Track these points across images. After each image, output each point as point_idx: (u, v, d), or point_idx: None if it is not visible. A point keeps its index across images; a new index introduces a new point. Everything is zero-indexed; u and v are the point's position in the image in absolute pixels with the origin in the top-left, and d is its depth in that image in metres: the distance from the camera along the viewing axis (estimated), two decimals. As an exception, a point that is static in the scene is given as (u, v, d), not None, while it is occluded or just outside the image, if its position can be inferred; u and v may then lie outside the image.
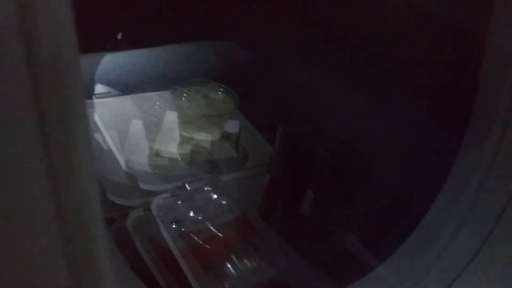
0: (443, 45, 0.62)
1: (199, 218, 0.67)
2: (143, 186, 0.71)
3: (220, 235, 0.65)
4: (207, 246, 0.64)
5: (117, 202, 0.68)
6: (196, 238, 0.64)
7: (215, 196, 0.71)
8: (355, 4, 0.72)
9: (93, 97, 0.81)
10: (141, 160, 0.75)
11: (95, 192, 0.19)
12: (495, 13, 0.49)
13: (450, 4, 0.59)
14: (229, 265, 0.63)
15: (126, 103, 0.83)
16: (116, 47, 0.88)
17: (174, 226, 0.65)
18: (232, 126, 0.82)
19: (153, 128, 0.79)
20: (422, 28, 0.63)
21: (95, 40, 0.84)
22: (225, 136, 0.81)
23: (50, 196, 0.17)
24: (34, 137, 0.17)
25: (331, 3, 0.76)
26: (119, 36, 0.87)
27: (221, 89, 0.82)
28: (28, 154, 0.17)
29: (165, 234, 0.64)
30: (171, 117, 0.78)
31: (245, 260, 0.64)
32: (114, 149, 0.75)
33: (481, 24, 0.51)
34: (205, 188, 0.72)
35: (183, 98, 0.79)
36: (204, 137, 0.79)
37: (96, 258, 0.20)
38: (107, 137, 0.76)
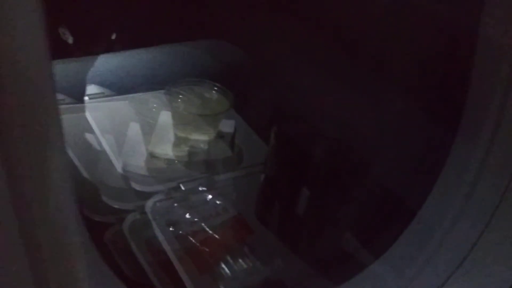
0: (435, 40, 0.61)
1: (195, 219, 0.67)
2: (139, 188, 0.71)
3: (216, 236, 0.65)
4: (203, 247, 0.64)
5: (114, 206, 0.68)
6: (192, 240, 0.64)
7: (210, 196, 0.71)
8: (348, 3, 0.71)
9: (86, 98, 0.81)
10: (137, 162, 0.75)
11: (72, 215, 0.18)
12: (486, 7, 0.49)
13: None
14: (224, 266, 0.62)
15: (121, 105, 0.83)
16: (110, 48, 0.87)
17: (170, 228, 0.65)
18: (227, 126, 0.81)
19: (149, 130, 0.79)
20: (414, 25, 0.63)
21: (89, 41, 0.83)
22: (220, 136, 0.81)
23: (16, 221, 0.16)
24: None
25: (325, 3, 0.75)
26: (113, 37, 0.87)
27: (215, 88, 0.81)
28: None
29: (161, 236, 0.64)
30: (166, 118, 0.78)
31: (240, 261, 0.63)
32: (109, 151, 0.74)
33: (473, 18, 0.51)
34: (200, 189, 0.71)
35: (179, 99, 0.79)
36: (199, 137, 0.79)
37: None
38: (102, 139, 0.76)
